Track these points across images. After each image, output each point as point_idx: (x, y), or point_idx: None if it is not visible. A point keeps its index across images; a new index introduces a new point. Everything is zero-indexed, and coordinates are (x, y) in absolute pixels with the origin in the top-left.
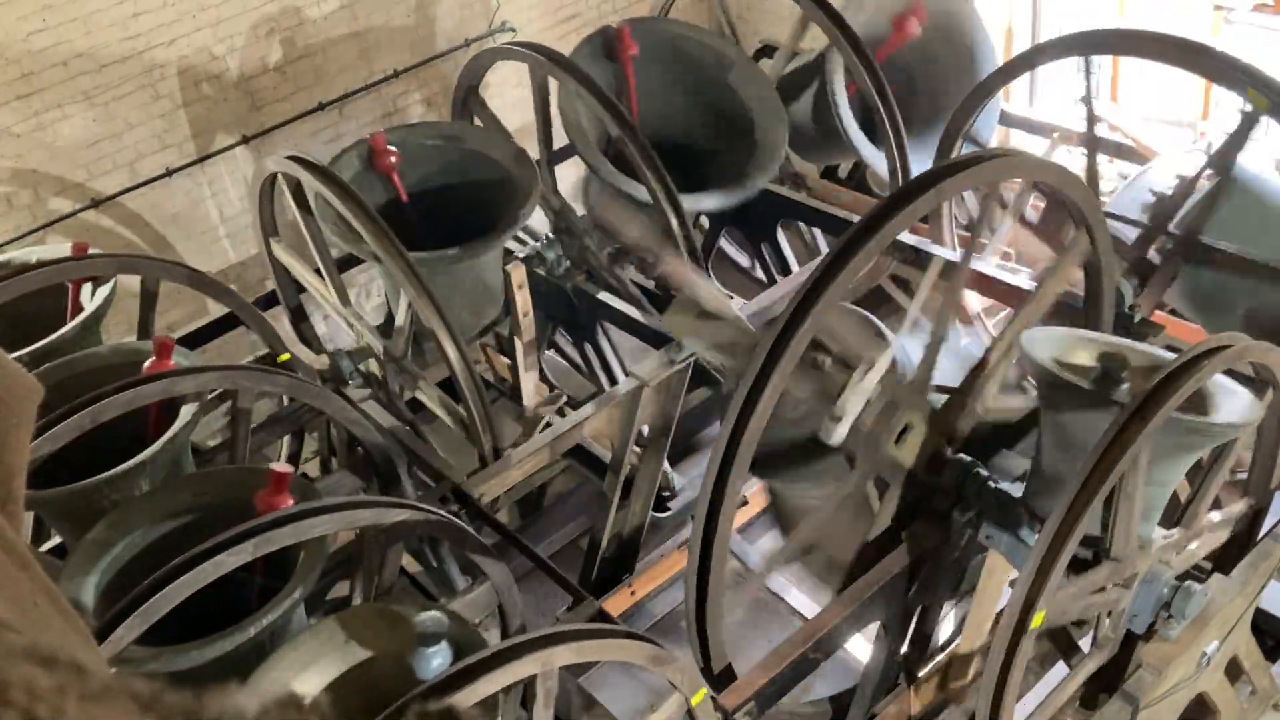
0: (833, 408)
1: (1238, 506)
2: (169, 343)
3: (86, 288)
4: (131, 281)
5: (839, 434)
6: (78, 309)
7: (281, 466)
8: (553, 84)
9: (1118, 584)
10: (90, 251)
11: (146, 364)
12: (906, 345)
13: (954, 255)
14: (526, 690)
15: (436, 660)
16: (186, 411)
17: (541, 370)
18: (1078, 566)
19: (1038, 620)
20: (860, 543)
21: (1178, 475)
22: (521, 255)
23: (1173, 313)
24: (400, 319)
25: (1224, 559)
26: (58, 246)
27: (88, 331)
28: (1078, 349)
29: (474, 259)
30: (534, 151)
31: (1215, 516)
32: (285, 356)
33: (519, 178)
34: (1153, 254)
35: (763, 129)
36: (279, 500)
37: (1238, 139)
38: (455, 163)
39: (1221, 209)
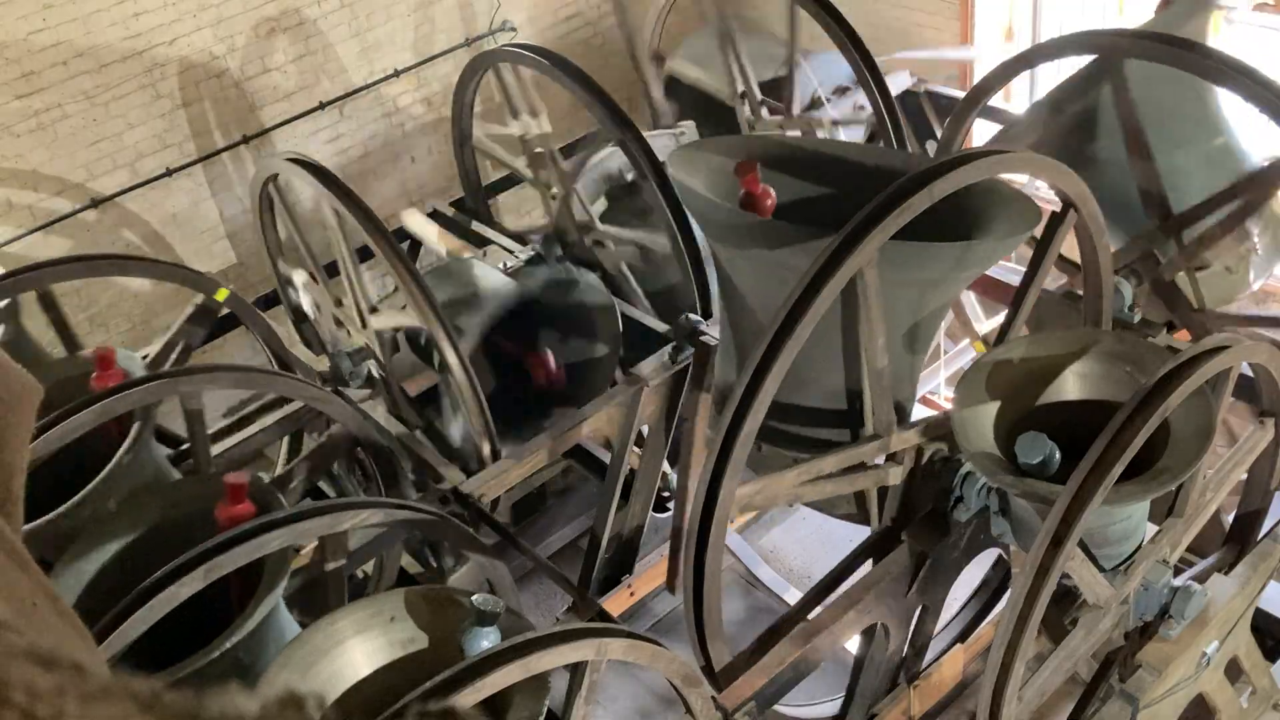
0: None
1: (1253, 433)
2: (109, 354)
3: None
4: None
5: None
6: None
7: (236, 476)
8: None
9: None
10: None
11: (93, 378)
12: None
13: None
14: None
15: (486, 642)
16: (136, 427)
17: None
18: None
19: None
20: None
21: (1145, 505)
22: (522, 256)
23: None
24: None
25: (1224, 558)
26: None
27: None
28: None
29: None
30: None
31: (1246, 430)
32: (223, 293)
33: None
34: None
35: None
36: (239, 510)
37: None
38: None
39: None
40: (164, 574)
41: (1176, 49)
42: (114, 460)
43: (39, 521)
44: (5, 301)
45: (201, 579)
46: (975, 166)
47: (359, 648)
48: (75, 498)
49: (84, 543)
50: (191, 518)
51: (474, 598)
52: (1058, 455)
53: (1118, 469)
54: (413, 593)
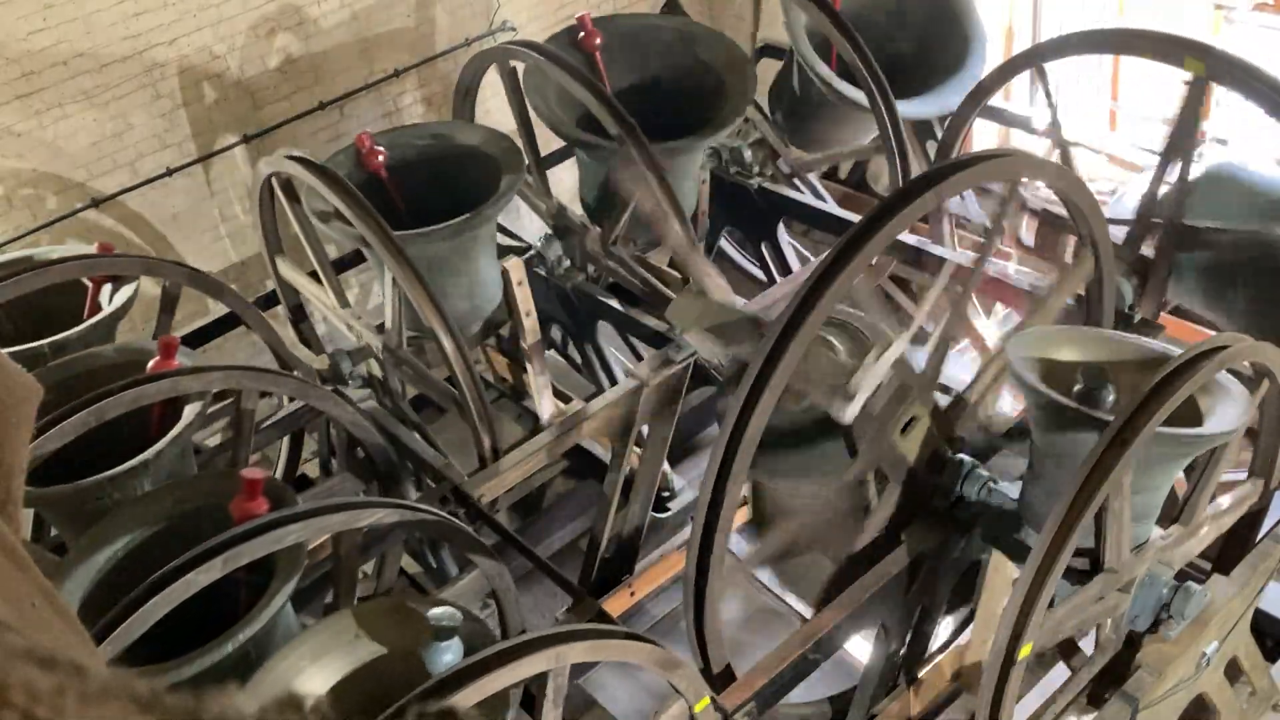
0: (846, 385)
1: (1245, 488)
2: (174, 342)
3: (106, 287)
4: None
5: (851, 412)
6: (95, 307)
7: (253, 472)
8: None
9: (1117, 590)
10: (115, 252)
11: (151, 363)
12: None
13: (958, 256)
14: (527, 691)
15: (449, 655)
16: (189, 411)
17: None
18: (1076, 575)
19: (1025, 651)
20: (848, 548)
21: (1171, 478)
22: (521, 256)
23: (1175, 311)
24: (389, 309)
25: (1224, 559)
26: (77, 245)
27: (104, 331)
28: (1067, 346)
29: (461, 236)
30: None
31: (1224, 501)
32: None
33: (502, 157)
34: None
35: (731, 85)
36: (254, 505)
37: (1188, 112)
38: (445, 162)
39: (1197, 191)
40: (185, 560)
41: (1177, 48)
42: (166, 439)
43: (59, 488)
44: (135, 283)
45: (220, 568)
46: (980, 169)
47: (325, 670)
48: (106, 473)
49: (100, 528)
50: (201, 512)
51: (431, 612)
52: (1113, 395)
53: (1106, 487)
54: (370, 608)
